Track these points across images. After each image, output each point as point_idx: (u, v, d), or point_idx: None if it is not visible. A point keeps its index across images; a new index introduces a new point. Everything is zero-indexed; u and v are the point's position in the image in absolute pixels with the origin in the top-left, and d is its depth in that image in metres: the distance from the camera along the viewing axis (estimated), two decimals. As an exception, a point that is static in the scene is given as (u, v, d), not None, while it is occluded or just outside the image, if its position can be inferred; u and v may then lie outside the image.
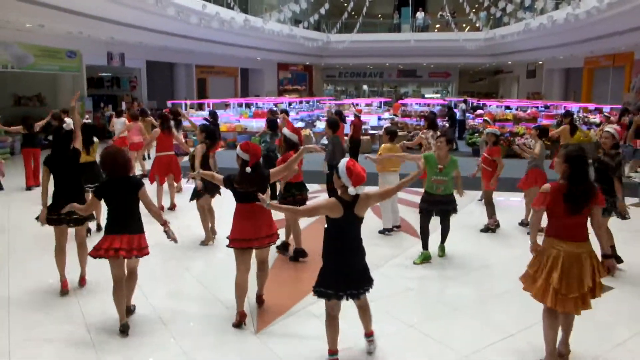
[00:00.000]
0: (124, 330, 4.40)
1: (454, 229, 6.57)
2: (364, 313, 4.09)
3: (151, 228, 4.77)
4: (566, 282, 3.69)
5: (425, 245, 6.27)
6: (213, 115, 13.18)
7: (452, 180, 6.21)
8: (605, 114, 15.61)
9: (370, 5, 23.46)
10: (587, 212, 3.79)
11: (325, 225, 3.89)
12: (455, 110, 18.04)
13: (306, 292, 5.21)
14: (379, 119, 18.50)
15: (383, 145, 7.38)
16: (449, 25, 26.07)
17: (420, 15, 29.61)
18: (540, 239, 3.96)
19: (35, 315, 4.80)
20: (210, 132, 7.06)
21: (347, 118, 13.55)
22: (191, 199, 6.96)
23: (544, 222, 3.93)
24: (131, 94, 22.04)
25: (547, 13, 16.90)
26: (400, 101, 22.93)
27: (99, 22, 15.66)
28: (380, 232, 7.35)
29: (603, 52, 22.36)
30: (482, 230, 7.54)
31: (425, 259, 6.22)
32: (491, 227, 7.54)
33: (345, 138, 11.65)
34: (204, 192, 6.74)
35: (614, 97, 22.41)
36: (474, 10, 23.01)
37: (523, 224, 7.78)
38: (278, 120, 9.77)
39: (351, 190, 3.68)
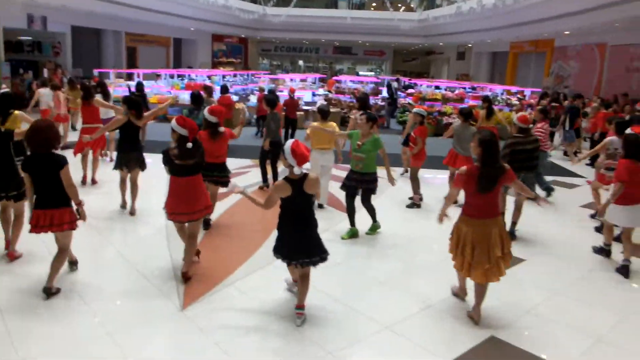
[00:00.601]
0: (46, 292, 4.44)
1: (381, 205, 6.81)
2: (303, 283, 4.31)
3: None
4: (478, 255, 4.16)
5: (352, 222, 6.36)
6: (139, 85, 12.84)
7: (373, 159, 6.22)
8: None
9: (307, -20, 23.40)
10: (498, 191, 4.20)
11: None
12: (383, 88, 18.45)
13: (234, 267, 5.34)
14: (314, 94, 18.59)
15: (312, 123, 7.48)
16: (384, 4, 26.36)
17: (357, -8, 29.78)
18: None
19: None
20: (132, 103, 6.82)
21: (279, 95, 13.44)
22: (114, 168, 6.86)
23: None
24: (54, 60, 20.88)
25: (477, -3, 17.51)
26: (334, 78, 23.11)
27: (17, -19, 14.73)
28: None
29: (527, 38, 23.49)
30: (407, 206, 7.86)
31: (352, 234, 6.32)
32: (416, 203, 7.86)
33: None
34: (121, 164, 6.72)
35: (535, 81, 23.67)
36: (409, -10, 23.46)
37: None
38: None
39: (296, 170, 4.00)
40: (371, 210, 6.45)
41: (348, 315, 4.48)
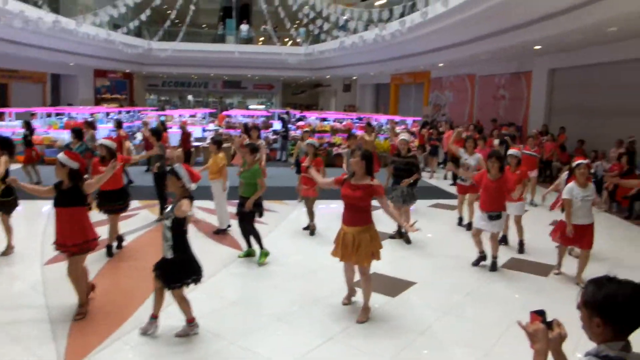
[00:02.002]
0: None
1: (280, 235, 6.86)
2: (160, 295, 4.62)
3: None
4: (348, 251, 4.97)
5: (248, 243, 6.77)
6: (27, 124, 12.52)
7: (253, 185, 6.53)
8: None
9: (194, 15, 23.25)
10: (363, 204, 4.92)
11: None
12: (276, 122, 18.71)
13: (132, 308, 5.07)
14: (204, 130, 18.37)
15: (215, 155, 7.83)
16: (271, 39, 26.89)
17: (244, 27, 30.06)
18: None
19: None
20: (5, 143, 6.56)
21: (169, 130, 13.44)
22: None
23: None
24: None
25: (358, 33, 18.38)
26: (225, 112, 23.02)
27: None
28: (215, 232, 7.94)
29: (406, 71, 25.06)
30: (304, 229, 8.22)
31: (248, 254, 6.81)
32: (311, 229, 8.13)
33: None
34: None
35: (416, 111, 25.22)
36: (294, 26, 24.11)
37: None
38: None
39: (192, 186, 4.49)
40: (256, 236, 6.62)
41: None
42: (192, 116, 20.42)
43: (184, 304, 4.59)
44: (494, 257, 6.70)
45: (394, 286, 6.05)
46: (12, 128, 15.09)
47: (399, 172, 7.65)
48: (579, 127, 14.87)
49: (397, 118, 19.93)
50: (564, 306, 3.51)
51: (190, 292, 4.86)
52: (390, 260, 6.95)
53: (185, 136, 13.21)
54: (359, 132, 15.74)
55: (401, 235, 7.90)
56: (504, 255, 7.23)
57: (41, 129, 16.23)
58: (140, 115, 21.13)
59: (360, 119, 19.54)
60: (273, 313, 5.26)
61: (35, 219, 8.83)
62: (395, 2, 18.92)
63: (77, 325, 4.77)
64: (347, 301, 5.47)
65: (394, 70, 25.60)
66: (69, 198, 4.75)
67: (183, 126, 13.53)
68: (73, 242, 4.74)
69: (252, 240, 6.70)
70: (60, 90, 29.12)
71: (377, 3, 24.62)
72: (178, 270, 4.47)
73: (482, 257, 6.81)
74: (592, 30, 11.84)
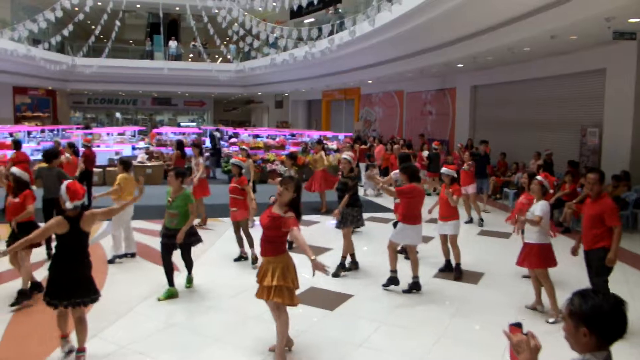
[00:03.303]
0: None
1: (216, 254, 6.78)
2: (81, 325, 4.39)
3: None
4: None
5: (170, 281, 6.11)
6: None
7: (187, 213, 6.05)
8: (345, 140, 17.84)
9: (120, 30, 22.70)
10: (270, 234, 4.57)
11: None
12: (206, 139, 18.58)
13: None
14: (133, 148, 17.89)
15: (120, 175, 7.50)
16: (201, 55, 26.66)
17: (173, 44, 29.64)
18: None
19: None
20: None
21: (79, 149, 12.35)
22: None
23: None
24: None
25: (288, 50, 18.61)
26: (155, 130, 22.54)
27: None
28: (110, 261, 7.42)
29: (336, 87, 25.62)
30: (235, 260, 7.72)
31: (170, 295, 6.06)
32: (243, 256, 7.67)
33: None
34: None
35: (347, 126, 25.74)
36: (224, 42, 24.05)
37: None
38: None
39: (68, 205, 4.28)
40: (189, 264, 6.33)
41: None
42: (121, 134, 19.85)
43: (78, 326, 4.42)
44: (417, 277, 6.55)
45: (332, 299, 6.17)
46: None
47: (338, 192, 7.47)
48: (500, 140, 15.73)
49: (329, 134, 20.26)
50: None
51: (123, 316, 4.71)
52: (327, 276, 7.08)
53: (88, 154, 11.81)
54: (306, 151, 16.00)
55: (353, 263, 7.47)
56: (438, 265, 7.52)
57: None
58: (65, 133, 20.29)
59: (293, 135, 19.71)
60: (211, 334, 5.22)
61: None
62: (324, 21, 19.36)
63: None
64: (273, 348, 4.77)
65: (325, 87, 26.08)
66: None
67: (85, 144, 12.48)
68: None
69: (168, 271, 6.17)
70: (-26, 109, 27.43)
71: (306, 21, 25.05)
72: (60, 287, 4.35)
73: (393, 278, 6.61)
74: (508, 50, 12.65)
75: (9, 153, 12.18)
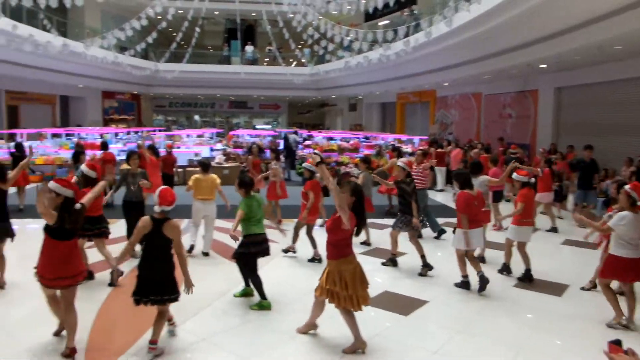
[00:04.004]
0: None
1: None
2: (160, 320, 4.63)
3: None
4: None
5: (246, 281, 6.13)
6: (18, 146, 12.28)
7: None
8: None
9: (199, 37, 23.55)
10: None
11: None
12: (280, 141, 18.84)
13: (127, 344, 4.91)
14: (211, 149, 18.48)
15: (195, 175, 7.93)
16: (276, 59, 27.14)
17: (249, 48, 30.40)
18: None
19: None
20: None
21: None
22: None
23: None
24: None
25: (363, 53, 18.54)
26: (232, 132, 23.18)
27: None
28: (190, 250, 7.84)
29: (411, 90, 25.20)
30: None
31: (246, 293, 6.13)
32: (290, 250, 8.00)
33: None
34: None
35: (422, 129, 25.27)
36: (299, 46, 24.35)
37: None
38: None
39: (156, 208, 4.61)
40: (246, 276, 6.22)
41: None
42: (200, 136, 20.56)
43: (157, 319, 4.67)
44: (463, 276, 6.65)
45: (406, 305, 6.03)
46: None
47: (400, 199, 7.67)
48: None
49: (404, 137, 19.97)
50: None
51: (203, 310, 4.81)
52: (401, 278, 6.96)
53: (169, 159, 12.03)
54: (366, 152, 15.84)
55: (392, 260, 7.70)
56: (517, 274, 7.20)
57: (51, 149, 16.42)
58: (149, 135, 21.29)
59: (367, 138, 19.59)
60: (286, 331, 5.23)
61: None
62: (398, 23, 19.13)
63: (90, 348, 4.76)
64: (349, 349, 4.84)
65: (400, 89, 25.76)
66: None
67: (168, 149, 12.71)
68: (62, 274, 4.50)
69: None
70: (69, 112, 29.44)
71: (380, 23, 24.89)
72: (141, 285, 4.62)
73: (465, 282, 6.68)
74: (597, 48, 11.90)
75: (98, 153, 12.88)
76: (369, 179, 9.20)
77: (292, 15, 19.27)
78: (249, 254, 5.82)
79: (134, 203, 7.57)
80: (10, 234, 6.29)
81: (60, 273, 4.42)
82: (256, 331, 5.27)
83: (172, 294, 4.61)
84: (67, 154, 15.54)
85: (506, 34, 13.48)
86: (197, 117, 39.39)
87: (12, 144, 14.96)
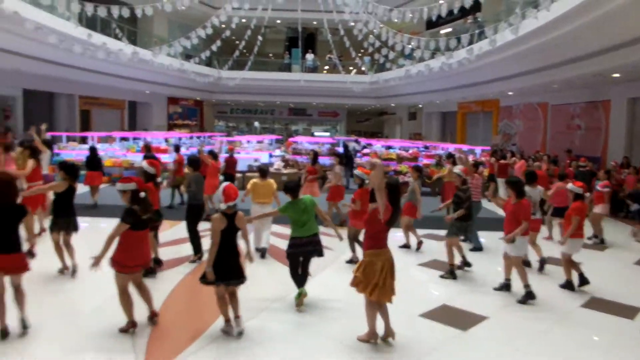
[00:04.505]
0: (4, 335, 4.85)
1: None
2: (234, 299, 5.25)
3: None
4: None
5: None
6: (92, 149, 12.88)
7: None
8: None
9: (261, 45, 23.94)
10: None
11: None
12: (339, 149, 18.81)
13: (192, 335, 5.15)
14: (270, 155, 18.70)
15: (253, 180, 8.28)
16: (336, 67, 27.22)
17: (309, 56, 30.68)
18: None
19: None
20: (69, 168, 6.92)
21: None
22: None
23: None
24: (5, 124, 20.38)
25: (424, 62, 18.28)
26: (291, 139, 23.39)
27: (-33, 46, 14.49)
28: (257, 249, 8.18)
29: (473, 99, 24.62)
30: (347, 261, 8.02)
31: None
32: (354, 260, 7.89)
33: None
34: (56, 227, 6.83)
35: (484, 139, 24.61)
36: (359, 55, 24.32)
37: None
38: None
39: (222, 205, 5.10)
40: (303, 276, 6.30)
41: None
42: (259, 142, 20.87)
43: (219, 304, 5.17)
44: (525, 286, 6.55)
45: (465, 319, 5.83)
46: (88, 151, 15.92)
47: (454, 206, 7.80)
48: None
49: (465, 147, 19.51)
50: None
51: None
52: (461, 292, 6.75)
53: (232, 161, 12.97)
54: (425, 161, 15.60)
55: (451, 272, 7.55)
56: (584, 294, 6.84)
57: (120, 152, 17.13)
58: (210, 140, 21.85)
59: (426, 147, 19.27)
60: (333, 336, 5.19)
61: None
62: (461, 31, 18.76)
63: (155, 337, 5.09)
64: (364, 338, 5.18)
65: (461, 98, 25.23)
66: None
67: (230, 152, 13.85)
68: (149, 258, 5.35)
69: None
70: (136, 117, 30.72)
71: (442, 31, 24.50)
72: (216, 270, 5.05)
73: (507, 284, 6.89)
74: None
75: (163, 156, 13.39)
76: (418, 186, 9.31)
77: (353, 24, 19.27)
78: (292, 254, 6.16)
79: (195, 206, 7.88)
80: (75, 227, 6.98)
81: (138, 261, 5.12)
82: (307, 334, 5.27)
83: (244, 277, 5.21)
84: (134, 157, 16.15)
85: (576, 41, 12.92)
86: (256, 124, 40.09)
87: (87, 146, 15.71)
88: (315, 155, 11.67)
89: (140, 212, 5.06)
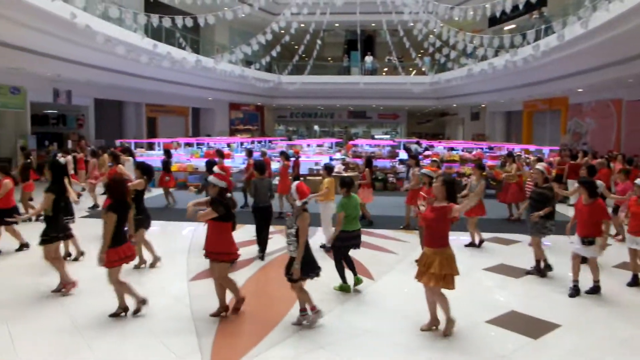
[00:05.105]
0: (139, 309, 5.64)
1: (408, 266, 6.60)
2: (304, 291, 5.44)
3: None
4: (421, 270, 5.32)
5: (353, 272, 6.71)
6: (167, 152, 14.01)
7: (354, 217, 6.65)
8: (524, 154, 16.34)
9: (320, 49, 24.06)
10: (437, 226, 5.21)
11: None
12: (401, 151, 18.54)
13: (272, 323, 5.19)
14: (331, 159, 18.70)
15: (326, 179, 8.51)
16: (396, 69, 26.94)
17: (368, 59, 30.53)
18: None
19: None
20: (145, 169, 7.38)
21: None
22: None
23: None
24: (78, 132, 21.49)
25: (487, 60, 17.76)
26: (351, 142, 23.33)
27: (44, 59, 15.36)
28: (321, 246, 8.48)
29: (540, 97, 23.65)
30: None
31: (343, 289, 6.57)
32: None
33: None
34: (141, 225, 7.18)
35: (552, 139, 23.60)
36: (419, 55, 23.95)
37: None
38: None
39: (298, 203, 5.35)
40: (350, 265, 6.72)
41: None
42: (319, 146, 20.94)
43: (302, 295, 5.39)
44: (595, 281, 6.60)
45: (535, 327, 5.55)
46: (160, 156, 16.52)
47: (533, 202, 7.49)
48: None
49: (531, 147, 18.78)
50: None
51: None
52: (530, 297, 6.44)
53: (297, 163, 13.93)
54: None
55: (539, 270, 7.37)
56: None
57: (184, 157, 17.64)
58: (271, 145, 22.14)
59: (491, 148, 18.70)
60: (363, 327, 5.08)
61: (180, 238, 9.57)
62: (526, 27, 18.09)
63: (221, 336, 5.19)
64: (426, 327, 5.40)
65: (527, 97, 24.31)
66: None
67: (295, 155, 14.65)
68: (217, 250, 5.52)
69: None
70: (199, 123, 31.64)
71: (506, 28, 23.74)
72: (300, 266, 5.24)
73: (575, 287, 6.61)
74: None
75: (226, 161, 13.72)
76: (483, 185, 9.29)
77: (412, 24, 19.01)
78: (341, 247, 6.55)
79: (260, 208, 8.14)
80: (147, 225, 7.37)
81: (219, 249, 5.49)
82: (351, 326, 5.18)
83: (320, 268, 5.53)
84: (198, 162, 16.58)
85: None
86: (316, 127, 40.31)
87: (153, 152, 16.33)
88: (369, 160, 11.56)
89: (230, 206, 5.51)
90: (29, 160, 11.80)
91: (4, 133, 18.16)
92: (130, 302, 5.65)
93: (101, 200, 12.12)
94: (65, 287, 6.30)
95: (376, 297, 6.39)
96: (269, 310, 5.97)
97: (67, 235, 6.75)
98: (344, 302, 6.21)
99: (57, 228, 6.31)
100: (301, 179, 13.29)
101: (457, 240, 9.23)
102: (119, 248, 5.37)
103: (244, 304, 5.83)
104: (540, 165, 7.78)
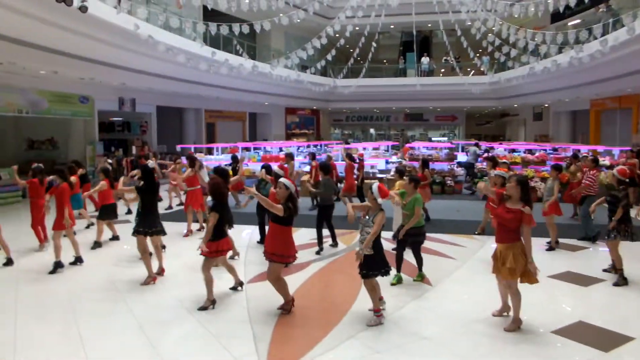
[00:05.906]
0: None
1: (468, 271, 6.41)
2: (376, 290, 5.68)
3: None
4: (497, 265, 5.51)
5: (398, 269, 7.00)
6: (234, 158, 14.53)
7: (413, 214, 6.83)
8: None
9: (375, 51, 23.87)
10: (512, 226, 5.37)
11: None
12: (464, 154, 18.04)
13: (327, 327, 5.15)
14: (387, 162, 18.50)
15: (398, 182, 8.41)
16: (453, 69, 26.37)
17: (425, 60, 30.04)
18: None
19: None
20: (220, 171, 7.69)
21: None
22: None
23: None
24: (142, 138, 22.31)
25: (550, 57, 17.07)
26: (408, 145, 23.00)
27: (111, 69, 16.02)
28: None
29: (609, 95, 22.49)
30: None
31: (399, 280, 6.93)
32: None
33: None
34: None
35: (622, 139, 22.40)
36: (477, 54, 23.33)
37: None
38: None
39: (380, 201, 5.56)
40: (419, 260, 7.07)
41: None
42: (375, 149, 20.77)
43: (373, 293, 5.58)
44: None
45: (606, 339, 5.20)
46: (219, 161, 16.85)
47: (610, 205, 7.30)
48: None
49: (600, 148, 17.87)
50: None
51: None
52: (598, 307, 6.07)
53: (361, 165, 14.19)
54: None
55: (616, 271, 7.07)
56: None
57: (243, 162, 17.93)
58: (326, 148, 22.17)
59: (555, 149, 17.93)
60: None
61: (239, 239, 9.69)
62: (592, 21, 17.26)
63: (277, 338, 5.21)
64: (497, 313, 5.74)
65: (594, 95, 23.18)
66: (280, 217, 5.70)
67: (359, 157, 14.81)
68: (274, 251, 5.71)
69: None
70: (256, 127, 32.15)
71: (570, 23, 22.75)
72: (372, 263, 5.46)
73: None
74: None
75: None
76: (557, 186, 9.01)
77: (470, 23, 18.55)
78: (407, 241, 6.90)
79: (326, 207, 8.70)
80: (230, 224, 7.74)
81: (276, 250, 5.68)
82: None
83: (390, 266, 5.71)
84: (255, 166, 16.80)
85: None
86: (372, 130, 40.07)
87: (212, 157, 16.64)
88: (424, 162, 11.35)
89: (293, 210, 5.68)
90: (109, 165, 12.43)
91: (74, 140, 19.09)
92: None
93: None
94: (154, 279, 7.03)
95: (435, 304, 6.20)
96: (325, 313, 5.93)
97: (155, 232, 7.22)
98: (401, 308, 6.06)
99: (146, 224, 7.01)
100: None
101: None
102: (219, 241, 6.02)
103: (294, 306, 5.94)
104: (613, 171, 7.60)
